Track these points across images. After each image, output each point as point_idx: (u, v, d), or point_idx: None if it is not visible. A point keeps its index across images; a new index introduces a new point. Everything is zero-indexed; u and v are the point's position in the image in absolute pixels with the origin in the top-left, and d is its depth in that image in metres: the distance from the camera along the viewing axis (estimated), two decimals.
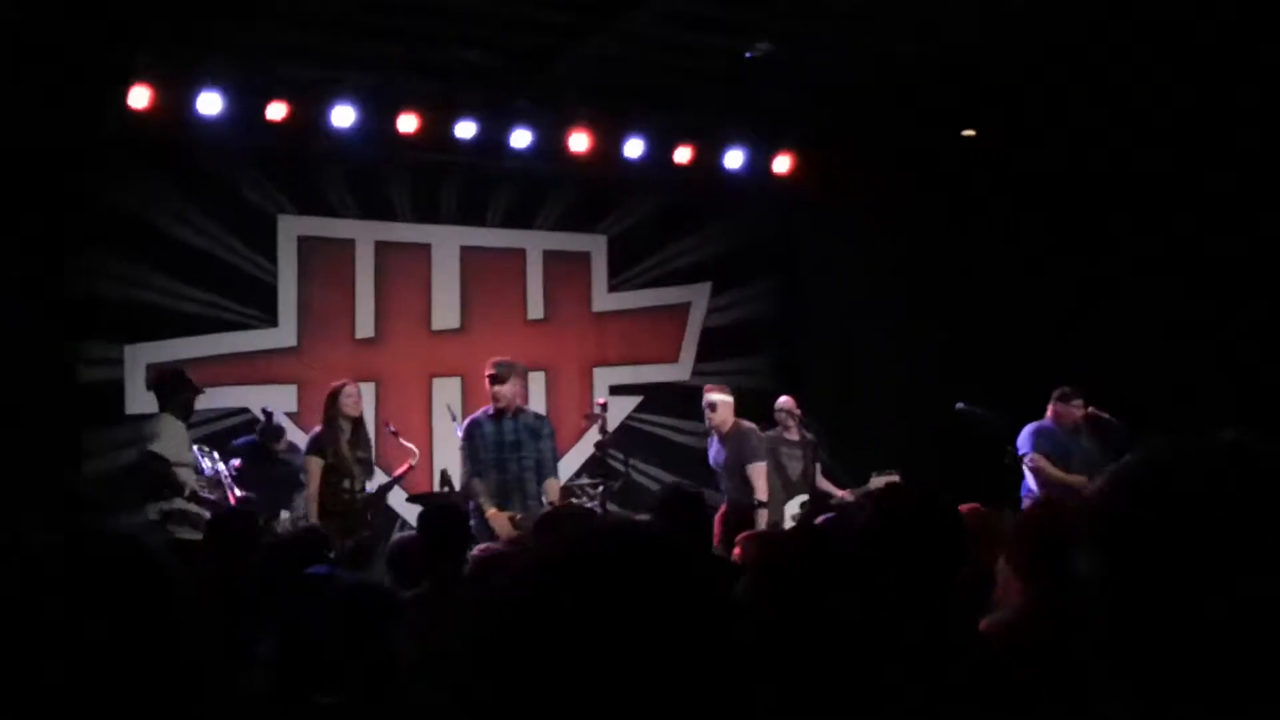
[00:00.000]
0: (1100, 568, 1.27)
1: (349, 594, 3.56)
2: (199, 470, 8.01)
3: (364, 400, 9.50)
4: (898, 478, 8.62)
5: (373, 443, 8.80)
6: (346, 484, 8.23)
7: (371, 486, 8.60)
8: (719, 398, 9.01)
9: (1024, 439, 8.70)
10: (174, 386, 8.12)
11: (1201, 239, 9.50)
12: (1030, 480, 8.56)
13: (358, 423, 8.47)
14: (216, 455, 8.18)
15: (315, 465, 8.19)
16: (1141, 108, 9.32)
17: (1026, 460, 8.60)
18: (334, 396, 8.37)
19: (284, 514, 8.30)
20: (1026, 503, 7.88)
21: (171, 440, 7.90)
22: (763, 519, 8.22)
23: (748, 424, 8.97)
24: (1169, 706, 1.22)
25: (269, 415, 8.70)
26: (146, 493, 7.85)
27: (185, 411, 8.10)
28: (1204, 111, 9.10)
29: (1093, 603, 1.29)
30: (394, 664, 3.35)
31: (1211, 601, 1.19)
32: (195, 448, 8.14)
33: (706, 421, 9.04)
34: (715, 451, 9.03)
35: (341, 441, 8.25)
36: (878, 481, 8.58)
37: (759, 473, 8.77)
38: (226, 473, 8.02)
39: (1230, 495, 1.24)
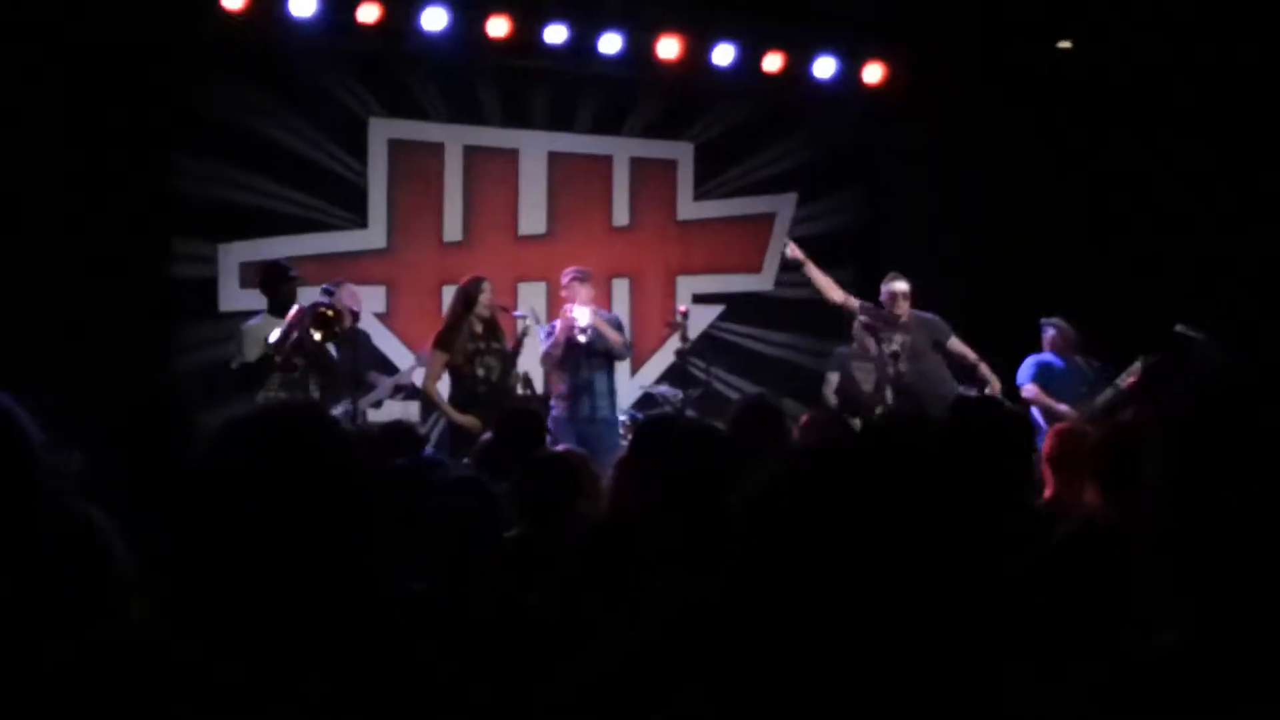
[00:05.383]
0: (1164, 474, 1.31)
1: (458, 484, 3.65)
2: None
3: None
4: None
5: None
6: (481, 373, 8.34)
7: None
8: None
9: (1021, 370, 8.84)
10: (277, 281, 8.13)
11: None
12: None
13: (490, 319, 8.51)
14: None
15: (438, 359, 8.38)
16: (1254, 29, 9.03)
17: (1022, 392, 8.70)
18: (469, 294, 8.44)
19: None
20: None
21: (254, 346, 7.87)
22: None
23: None
24: (1223, 615, 1.27)
25: (330, 293, 8.16)
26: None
27: (286, 309, 7.97)
28: None
29: (1156, 508, 1.33)
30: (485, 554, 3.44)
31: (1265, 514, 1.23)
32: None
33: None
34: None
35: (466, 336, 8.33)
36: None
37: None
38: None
39: None
